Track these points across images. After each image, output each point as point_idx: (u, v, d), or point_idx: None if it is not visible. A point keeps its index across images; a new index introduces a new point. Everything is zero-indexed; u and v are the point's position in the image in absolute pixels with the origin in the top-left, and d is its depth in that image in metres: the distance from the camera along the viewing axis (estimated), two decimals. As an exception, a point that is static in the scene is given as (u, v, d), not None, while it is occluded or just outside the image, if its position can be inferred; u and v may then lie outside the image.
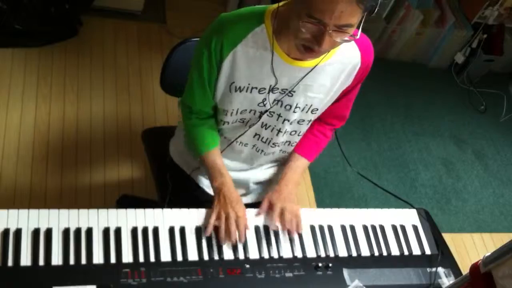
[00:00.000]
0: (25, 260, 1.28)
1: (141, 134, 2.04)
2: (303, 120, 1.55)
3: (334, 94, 1.51)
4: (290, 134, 1.59)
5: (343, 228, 1.58)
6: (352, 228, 1.59)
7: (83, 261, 1.31)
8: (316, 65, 1.40)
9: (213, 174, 1.54)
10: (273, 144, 1.61)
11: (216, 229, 1.45)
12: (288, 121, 1.53)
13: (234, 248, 1.44)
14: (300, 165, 1.64)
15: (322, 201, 2.70)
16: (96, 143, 2.52)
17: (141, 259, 1.35)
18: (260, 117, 1.51)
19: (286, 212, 1.51)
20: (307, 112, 1.52)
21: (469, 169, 3.19)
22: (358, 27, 1.23)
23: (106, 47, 2.91)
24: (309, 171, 2.81)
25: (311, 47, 1.25)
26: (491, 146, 3.37)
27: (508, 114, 3.56)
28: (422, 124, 3.32)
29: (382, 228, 1.62)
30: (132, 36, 3.01)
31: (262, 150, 1.63)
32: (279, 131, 1.56)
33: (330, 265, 1.47)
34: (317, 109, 1.52)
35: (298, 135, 1.61)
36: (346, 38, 1.23)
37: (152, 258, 1.36)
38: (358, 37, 1.24)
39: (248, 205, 1.70)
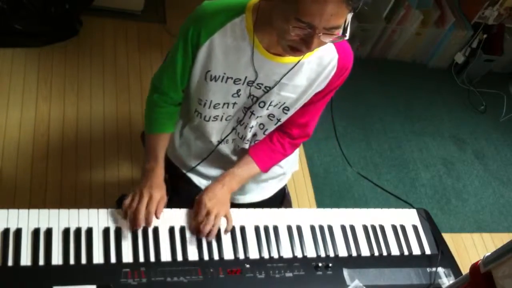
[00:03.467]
0: (25, 260, 1.28)
1: (140, 135, 2.04)
2: (273, 116, 1.55)
3: (308, 96, 1.50)
4: (259, 127, 1.60)
5: (343, 228, 1.58)
6: (352, 228, 1.59)
7: (83, 261, 1.31)
8: (298, 62, 1.39)
9: (149, 157, 1.55)
10: (246, 140, 1.62)
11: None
12: (260, 116, 1.54)
13: (234, 248, 1.44)
14: (245, 172, 1.58)
15: (322, 201, 2.70)
16: (96, 143, 2.52)
17: (141, 259, 1.35)
18: (233, 107, 1.51)
19: (211, 216, 1.43)
20: (279, 108, 1.52)
21: (469, 169, 3.19)
22: (345, 27, 1.22)
23: (106, 47, 2.91)
24: (309, 171, 2.81)
25: (299, 48, 1.25)
26: (491, 146, 3.37)
27: (508, 114, 3.56)
28: (422, 124, 3.32)
29: (382, 228, 1.62)
30: (132, 36, 3.01)
31: (239, 146, 1.65)
32: (251, 127, 1.57)
33: (330, 265, 1.47)
34: (289, 109, 1.52)
35: (264, 133, 1.61)
36: (332, 39, 1.22)
37: (152, 258, 1.36)
38: (347, 37, 1.23)
39: (246, 205, 1.71)
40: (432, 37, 3.49)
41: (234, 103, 1.50)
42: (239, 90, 1.46)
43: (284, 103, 1.50)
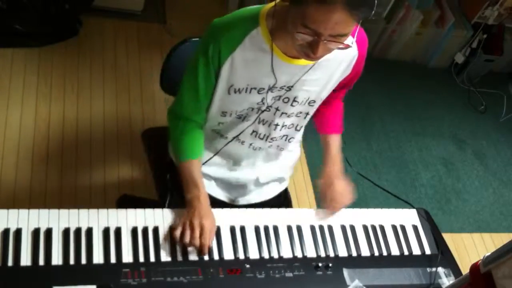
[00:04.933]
0: (25, 260, 1.28)
1: (140, 135, 2.04)
2: (301, 113, 1.55)
3: (332, 86, 1.52)
4: (288, 128, 1.59)
5: (343, 228, 1.58)
6: (352, 228, 1.59)
7: (83, 261, 1.31)
8: (315, 63, 1.40)
9: (188, 186, 1.49)
10: (270, 139, 1.61)
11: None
12: (286, 114, 1.53)
13: (234, 248, 1.44)
14: (336, 142, 1.72)
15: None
16: (96, 143, 2.52)
17: (141, 259, 1.35)
18: (257, 113, 1.51)
19: (337, 192, 1.61)
20: (305, 104, 1.52)
21: (469, 169, 3.19)
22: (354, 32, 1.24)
23: (106, 47, 2.91)
24: (309, 171, 2.81)
25: (307, 53, 1.26)
26: (491, 146, 3.37)
27: (508, 114, 3.56)
28: (422, 124, 3.32)
29: (382, 228, 1.62)
30: (132, 36, 3.01)
31: (260, 147, 1.64)
32: (276, 125, 1.56)
33: (330, 265, 1.47)
34: (314, 101, 1.53)
35: (296, 130, 1.61)
36: (341, 46, 1.23)
37: (152, 258, 1.36)
38: (352, 46, 1.25)
39: (247, 206, 1.71)
40: (432, 37, 3.49)
41: (258, 109, 1.50)
42: (263, 99, 1.46)
43: (309, 97, 1.50)
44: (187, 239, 1.39)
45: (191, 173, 1.50)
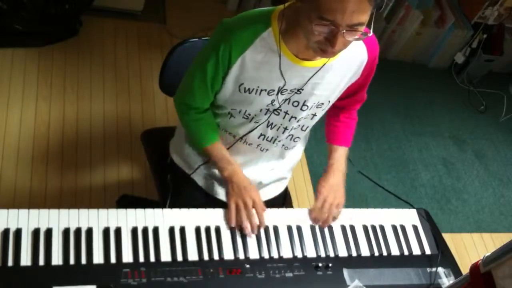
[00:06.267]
0: (25, 260, 1.28)
1: (140, 136, 2.03)
2: (308, 115, 1.55)
3: (342, 89, 1.52)
4: (295, 129, 1.59)
5: (343, 228, 1.58)
6: (352, 228, 1.59)
7: (83, 261, 1.31)
8: (324, 64, 1.40)
9: (222, 165, 1.57)
10: (278, 141, 1.61)
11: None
12: (295, 118, 1.52)
13: (234, 248, 1.44)
14: (342, 154, 1.68)
15: (322, 201, 2.70)
16: (96, 143, 2.52)
17: (141, 259, 1.35)
18: (266, 114, 1.51)
19: (326, 204, 1.57)
20: (315, 108, 1.53)
21: (469, 169, 3.19)
22: (369, 24, 1.23)
23: (106, 47, 2.91)
24: (309, 171, 2.81)
25: (324, 48, 1.25)
26: (491, 146, 3.37)
27: (508, 114, 3.56)
28: (422, 124, 3.32)
29: (382, 228, 1.62)
30: (132, 36, 3.01)
31: (267, 149, 1.64)
32: (285, 128, 1.56)
33: (330, 265, 1.47)
34: (323, 104, 1.53)
35: (302, 130, 1.61)
36: (357, 37, 1.23)
37: (152, 258, 1.36)
38: (370, 34, 1.24)
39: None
40: (432, 37, 3.49)
41: (267, 110, 1.50)
42: (273, 101, 1.47)
43: (319, 101, 1.51)
44: (245, 221, 1.47)
45: (220, 152, 1.57)
